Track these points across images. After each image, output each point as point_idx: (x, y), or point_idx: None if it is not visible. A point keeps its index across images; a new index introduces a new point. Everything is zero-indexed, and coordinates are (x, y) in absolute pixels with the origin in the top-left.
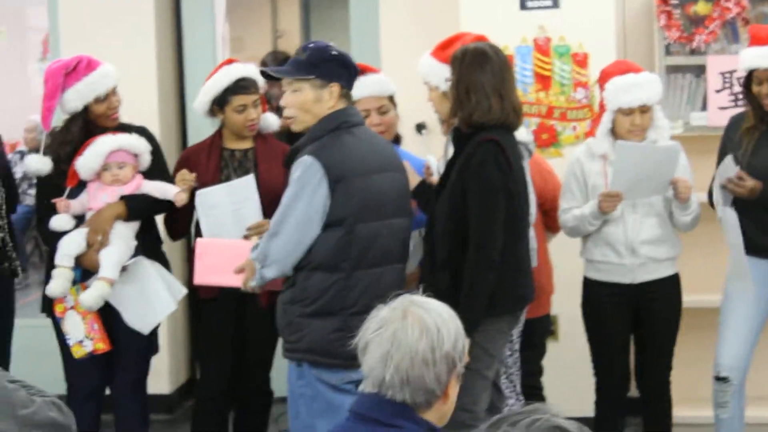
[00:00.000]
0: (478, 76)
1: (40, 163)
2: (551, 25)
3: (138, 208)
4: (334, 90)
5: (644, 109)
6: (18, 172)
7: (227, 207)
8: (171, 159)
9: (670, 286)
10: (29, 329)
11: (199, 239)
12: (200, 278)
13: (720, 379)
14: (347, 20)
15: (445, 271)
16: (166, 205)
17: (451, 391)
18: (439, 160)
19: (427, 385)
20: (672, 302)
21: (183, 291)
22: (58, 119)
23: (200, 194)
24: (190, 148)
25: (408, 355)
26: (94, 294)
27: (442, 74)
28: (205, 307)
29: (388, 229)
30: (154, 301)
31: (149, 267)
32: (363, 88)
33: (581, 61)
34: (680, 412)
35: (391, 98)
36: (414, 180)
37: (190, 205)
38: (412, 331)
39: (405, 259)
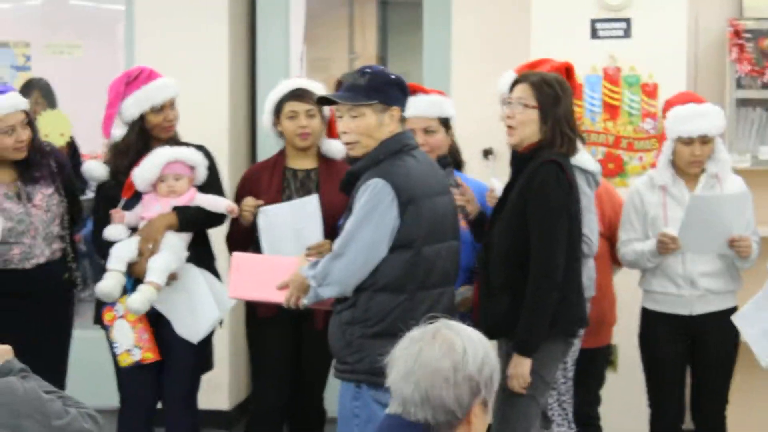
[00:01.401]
0: (565, 107)
1: (98, 170)
2: (622, 54)
3: (190, 219)
4: (395, 114)
5: (705, 140)
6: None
7: (289, 225)
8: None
9: (728, 319)
10: (86, 341)
11: (235, 253)
12: (235, 292)
13: None
14: (421, 44)
15: (503, 294)
16: (218, 219)
17: (475, 419)
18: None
19: (447, 404)
20: (729, 335)
21: (231, 302)
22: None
23: (263, 211)
24: (253, 167)
25: (429, 371)
26: (140, 297)
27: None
28: (262, 324)
29: (447, 251)
30: (200, 308)
31: (198, 275)
32: (410, 108)
33: (651, 91)
34: None
35: (443, 120)
36: (474, 209)
37: (252, 223)
38: (437, 349)
39: (456, 280)
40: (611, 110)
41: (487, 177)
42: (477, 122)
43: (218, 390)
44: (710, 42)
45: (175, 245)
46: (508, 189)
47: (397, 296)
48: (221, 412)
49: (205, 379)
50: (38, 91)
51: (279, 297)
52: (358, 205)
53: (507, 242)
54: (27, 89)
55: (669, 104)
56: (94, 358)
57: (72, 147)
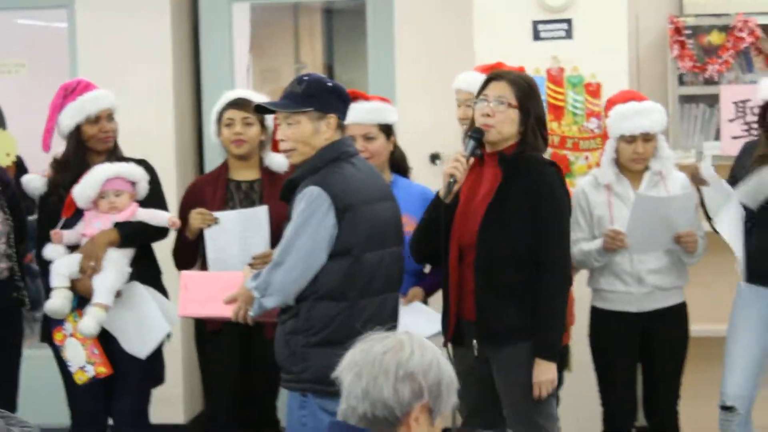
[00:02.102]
0: (540, 108)
1: (35, 182)
2: (564, 55)
3: (131, 234)
4: (331, 121)
5: (647, 138)
6: None
7: (236, 234)
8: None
9: (677, 314)
10: (37, 360)
11: (183, 272)
12: (184, 310)
13: (726, 408)
14: (366, 52)
15: (514, 297)
16: (161, 233)
17: (415, 424)
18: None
19: (385, 399)
20: (679, 331)
21: (177, 315)
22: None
23: (219, 216)
24: (197, 179)
25: (372, 363)
26: (90, 321)
27: None
28: (211, 338)
29: (389, 257)
30: (148, 324)
31: (143, 291)
32: (350, 115)
33: (594, 91)
34: None
35: (383, 127)
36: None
37: (198, 236)
38: (384, 346)
39: (400, 286)
40: (555, 111)
41: (436, 182)
42: (423, 128)
43: (172, 404)
44: (651, 40)
45: (117, 262)
46: (500, 189)
47: (338, 304)
48: (176, 426)
49: (160, 393)
50: None
51: (228, 312)
52: (296, 213)
53: (514, 244)
54: None
55: (610, 103)
56: (44, 376)
57: (19, 166)
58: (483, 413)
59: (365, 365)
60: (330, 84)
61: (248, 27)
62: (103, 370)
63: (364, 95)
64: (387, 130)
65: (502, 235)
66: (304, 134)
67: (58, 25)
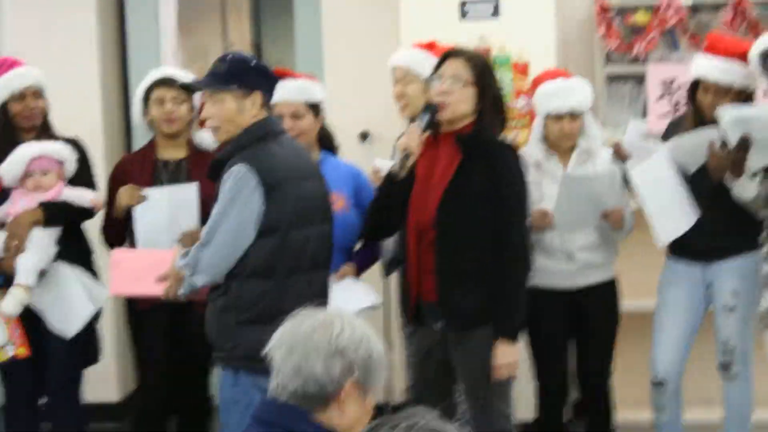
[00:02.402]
0: (497, 88)
1: None
2: (491, 35)
3: (56, 214)
4: (256, 99)
5: (574, 116)
6: None
7: (165, 211)
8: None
9: (608, 290)
10: None
11: (114, 250)
12: (116, 288)
13: (656, 384)
14: (293, 31)
15: (476, 281)
16: (87, 213)
17: (347, 398)
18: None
19: (316, 375)
20: (610, 307)
21: (104, 293)
22: None
23: (147, 193)
24: (124, 158)
25: (302, 340)
26: (12, 301)
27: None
28: (141, 317)
29: (317, 235)
30: (73, 305)
31: (68, 271)
32: (277, 93)
33: (522, 70)
34: (624, 414)
35: (311, 105)
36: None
37: (126, 214)
38: (314, 323)
39: (330, 264)
40: None
41: (366, 159)
42: (352, 106)
43: (106, 382)
44: (579, 19)
45: (41, 242)
46: (458, 170)
47: (266, 281)
48: (110, 404)
49: (93, 371)
50: None
51: (159, 290)
52: (222, 192)
53: (474, 226)
54: None
55: (537, 81)
56: None
57: None
58: (438, 394)
59: (296, 342)
60: (253, 62)
61: (175, 5)
62: (23, 351)
63: (292, 73)
64: (315, 108)
65: (461, 218)
66: (229, 112)
67: None
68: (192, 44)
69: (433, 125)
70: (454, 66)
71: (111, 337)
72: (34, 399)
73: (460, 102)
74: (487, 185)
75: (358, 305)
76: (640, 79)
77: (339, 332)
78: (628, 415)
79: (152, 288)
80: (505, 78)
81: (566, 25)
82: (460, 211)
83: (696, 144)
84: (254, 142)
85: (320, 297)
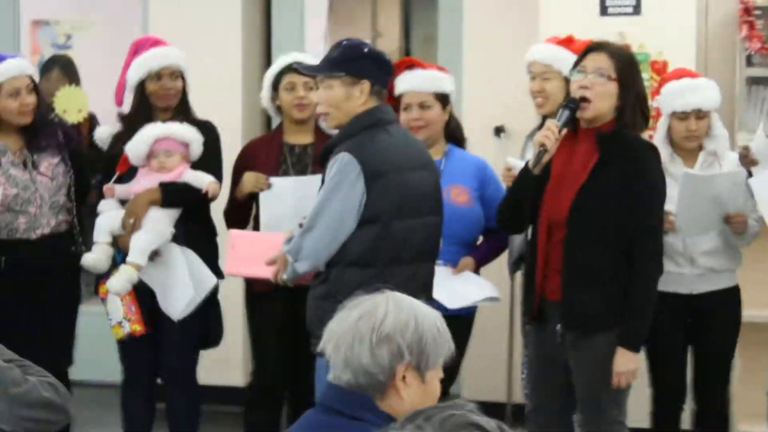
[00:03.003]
0: (640, 84)
1: (106, 133)
2: (631, 32)
3: (174, 195)
4: (364, 87)
5: (700, 115)
6: None
7: (290, 200)
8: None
9: (729, 297)
10: (95, 315)
11: (232, 231)
12: (231, 269)
13: None
14: (437, 20)
15: (604, 282)
16: (205, 196)
17: (402, 385)
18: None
19: (365, 366)
20: (731, 314)
21: (212, 281)
22: None
23: (273, 182)
24: (251, 141)
25: (347, 332)
26: (119, 279)
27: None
28: (259, 300)
29: (422, 227)
30: (175, 287)
31: (178, 253)
32: (406, 82)
33: (660, 69)
34: (743, 427)
35: (439, 96)
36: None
37: (249, 199)
38: (359, 311)
39: (436, 257)
40: None
41: (500, 154)
42: (488, 101)
43: (232, 366)
44: (720, 19)
45: (158, 221)
46: (596, 168)
47: (366, 271)
48: (236, 388)
49: (220, 354)
50: (59, 68)
51: (269, 273)
52: (327, 179)
53: (606, 227)
54: (48, 65)
55: (663, 80)
56: (102, 331)
57: (92, 123)
58: (554, 398)
59: (342, 335)
60: (366, 50)
61: None
62: (138, 327)
63: (421, 63)
64: (443, 99)
65: (594, 217)
66: (336, 98)
67: None
68: (340, 33)
69: (572, 121)
70: (597, 60)
71: (238, 320)
72: (152, 378)
73: (601, 98)
74: (625, 186)
75: (475, 297)
76: None
77: (383, 318)
78: (748, 428)
79: (264, 270)
80: (643, 76)
81: (707, 24)
82: (594, 210)
83: None
84: (362, 131)
85: (424, 289)
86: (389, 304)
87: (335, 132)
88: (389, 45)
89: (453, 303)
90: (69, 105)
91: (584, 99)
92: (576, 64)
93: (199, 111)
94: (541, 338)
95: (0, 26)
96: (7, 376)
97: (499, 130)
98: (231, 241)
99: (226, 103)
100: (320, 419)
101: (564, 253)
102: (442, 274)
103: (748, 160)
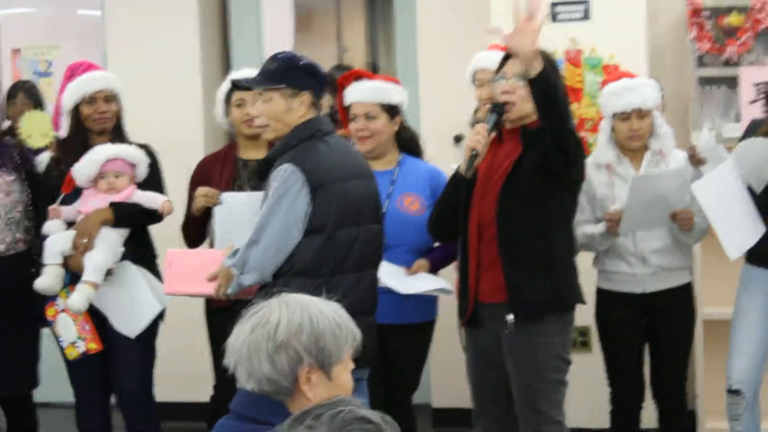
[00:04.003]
0: (560, 83)
1: (42, 158)
2: (582, 37)
3: (125, 215)
4: (304, 99)
5: (641, 115)
6: None
7: (244, 215)
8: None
9: (682, 295)
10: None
11: (168, 249)
12: (170, 288)
13: (732, 392)
14: (393, 35)
15: (538, 270)
16: (154, 215)
17: (306, 386)
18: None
19: (267, 375)
20: (684, 311)
21: (169, 297)
22: None
23: (223, 197)
24: (206, 158)
25: (244, 346)
26: (79, 297)
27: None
28: (216, 316)
29: (364, 235)
30: (139, 304)
31: (135, 271)
32: (353, 93)
33: (612, 72)
34: (710, 424)
35: (385, 107)
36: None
37: (205, 214)
38: (252, 321)
39: (378, 264)
40: (574, 93)
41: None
42: (447, 109)
43: (203, 381)
44: (670, 21)
45: (110, 241)
46: (518, 160)
47: (312, 281)
48: (203, 404)
49: (189, 371)
50: (23, 93)
51: (210, 289)
52: (270, 191)
53: (532, 215)
54: (13, 91)
55: (603, 84)
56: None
57: None
58: (497, 400)
59: (240, 349)
60: (303, 62)
61: (291, 8)
62: (94, 345)
63: (369, 74)
64: (390, 110)
65: (520, 207)
66: (277, 111)
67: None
68: (306, 48)
69: (499, 125)
70: (517, 65)
71: (204, 337)
72: (104, 397)
73: (524, 100)
74: (544, 163)
75: (428, 286)
76: (733, 83)
77: (276, 325)
78: (714, 425)
79: (204, 287)
80: (595, 81)
81: (658, 27)
82: (517, 201)
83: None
84: (302, 142)
85: (369, 296)
86: (281, 309)
87: None
88: (356, 58)
89: (406, 289)
90: (33, 130)
91: (507, 103)
92: (497, 70)
93: (161, 129)
94: (478, 341)
95: None
96: None
97: (458, 139)
98: (168, 260)
99: (188, 121)
100: (232, 426)
101: (499, 248)
102: (395, 272)
103: (695, 160)
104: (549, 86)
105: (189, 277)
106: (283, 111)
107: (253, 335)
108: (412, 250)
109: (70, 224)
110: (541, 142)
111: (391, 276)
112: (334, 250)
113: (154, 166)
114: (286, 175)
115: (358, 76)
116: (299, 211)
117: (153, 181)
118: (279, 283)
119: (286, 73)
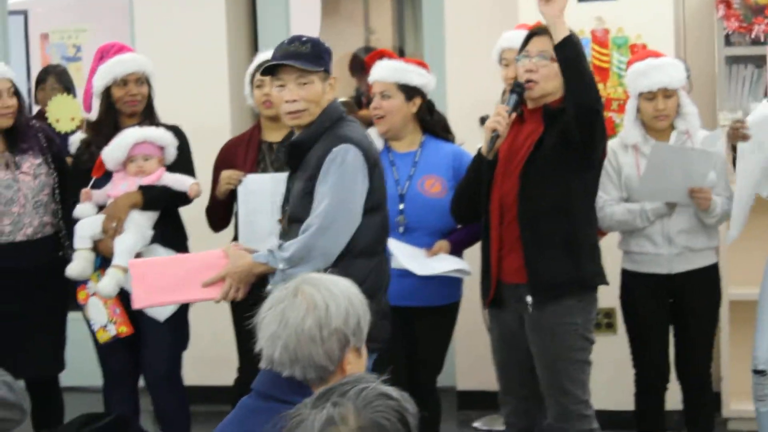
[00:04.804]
0: (583, 61)
1: (74, 139)
2: (609, 16)
3: (154, 198)
4: (332, 83)
5: (667, 94)
6: None
7: (268, 196)
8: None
9: (708, 276)
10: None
11: (131, 261)
12: (141, 302)
13: (758, 372)
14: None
15: (559, 249)
16: (184, 198)
17: (349, 366)
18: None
19: (317, 362)
20: (710, 292)
21: None
22: None
23: (245, 180)
24: (230, 141)
25: (294, 333)
26: (109, 282)
27: None
28: (240, 304)
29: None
30: None
31: (164, 254)
32: (374, 73)
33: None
34: (736, 405)
35: (404, 87)
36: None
37: (229, 197)
38: (299, 309)
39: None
40: (601, 73)
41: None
42: (474, 91)
43: (227, 365)
44: (698, 0)
45: (139, 224)
46: (540, 140)
47: (371, 259)
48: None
49: (216, 355)
50: (53, 77)
51: (205, 294)
52: (331, 173)
53: (553, 194)
54: (43, 76)
55: (629, 63)
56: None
57: None
58: (522, 381)
59: (288, 336)
60: (326, 45)
61: None
62: (125, 329)
63: (391, 54)
64: (408, 90)
65: (541, 186)
66: (317, 94)
67: None
68: (333, 30)
69: (519, 106)
70: (540, 43)
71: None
72: (134, 378)
73: (547, 79)
74: (562, 150)
75: (445, 267)
76: (761, 61)
77: (325, 312)
78: (739, 406)
79: (192, 293)
80: (622, 60)
81: (685, 6)
82: (539, 180)
83: None
84: (335, 123)
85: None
86: (323, 294)
87: None
88: (383, 41)
89: (422, 270)
90: (61, 114)
91: (530, 81)
92: (520, 50)
93: (188, 112)
94: (502, 322)
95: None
96: None
97: (483, 120)
98: (135, 272)
99: (215, 104)
100: (254, 404)
101: (520, 228)
102: (415, 253)
103: (739, 133)
104: (576, 53)
105: (175, 285)
106: (321, 94)
107: (305, 323)
108: (433, 233)
109: (100, 208)
110: (562, 119)
111: (409, 257)
112: (386, 229)
113: (183, 148)
114: (351, 158)
115: (382, 56)
116: (363, 191)
117: (182, 163)
118: (341, 265)
119: (321, 56)
